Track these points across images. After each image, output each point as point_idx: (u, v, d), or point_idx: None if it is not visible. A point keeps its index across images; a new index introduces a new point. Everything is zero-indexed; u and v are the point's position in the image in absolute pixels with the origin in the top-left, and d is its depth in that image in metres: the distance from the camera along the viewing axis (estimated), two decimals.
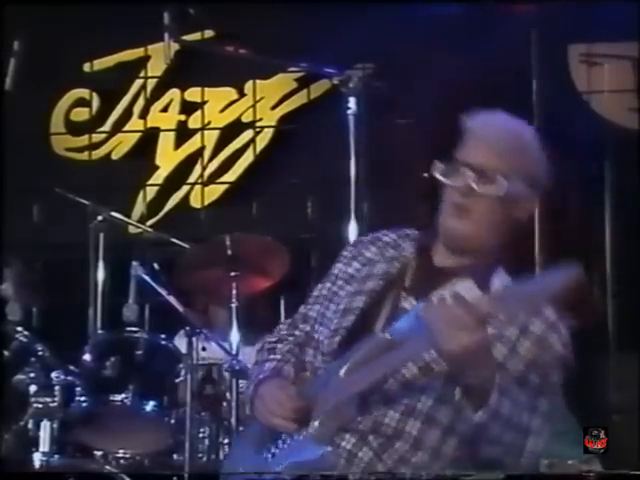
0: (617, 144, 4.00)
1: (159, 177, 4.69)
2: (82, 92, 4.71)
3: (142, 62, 4.68)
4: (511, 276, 1.87)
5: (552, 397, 1.81)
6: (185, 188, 4.68)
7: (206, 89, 4.66)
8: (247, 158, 4.64)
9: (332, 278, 1.99)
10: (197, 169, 4.69)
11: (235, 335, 3.36)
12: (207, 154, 4.67)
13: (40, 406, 3.17)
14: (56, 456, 3.17)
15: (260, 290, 3.56)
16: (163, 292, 3.20)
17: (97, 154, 4.72)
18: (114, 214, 3.67)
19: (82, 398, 3.21)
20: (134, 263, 3.31)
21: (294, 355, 1.96)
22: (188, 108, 4.68)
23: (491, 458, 1.74)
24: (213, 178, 4.65)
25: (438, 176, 1.87)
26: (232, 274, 3.36)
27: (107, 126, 4.73)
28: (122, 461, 3.27)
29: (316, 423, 1.78)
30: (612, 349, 3.79)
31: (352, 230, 2.96)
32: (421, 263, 1.90)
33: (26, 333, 3.28)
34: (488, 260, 1.87)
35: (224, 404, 3.35)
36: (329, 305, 1.95)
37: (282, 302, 3.80)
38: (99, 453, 3.29)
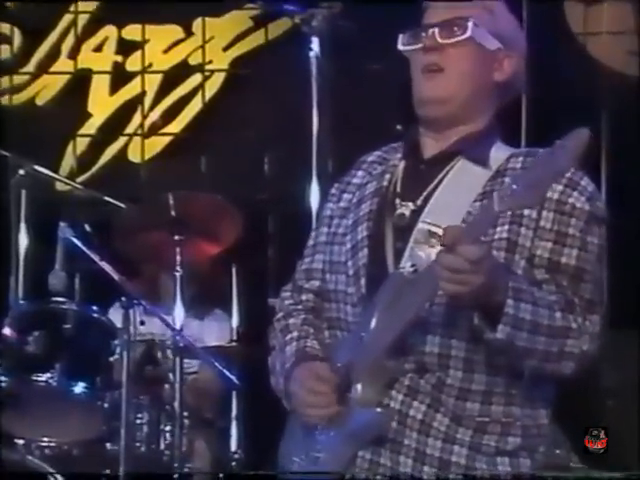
0: (615, 91, 4.04)
1: (92, 126, 4.65)
2: (2, 27, 4.65)
3: None
4: (511, 145, 1.91)
5: (593, 279, 1.80)
6: (122, 140, 4.64)
7: (147, 26, 4.62)
8: (195, 106, 4.61)
9: (326, 221, 1.98)
10: (136, 118, 4.65)
11: (179, 308, 3.36)
12: (148, 101, 4.64)
13: None
14: None
15: (208, 257, 3.58)
16: (95, 258, 3.17)
17: (19, 98, 4.66)
18: (39, 168, 3.62)
19: (1, 378, 3.17)
20: (62, 224, 3.28)
21: (311, 325, 1.95)
22: (126, 48, 4.64)
23: (534, 373, 1.76)
24: (155, 129, 4.63)
25: (402, 47, 1.92)
26: (176, 238, 3.36)
27: (31, 66, 4.68)
28: (47, 451, 3.25)
29: (358, 387, 1.79)
30: (609, 328, 3.84)
31: (314, 190, 2.96)
32: (409, 162, 1.93)
33: None
34: (479, 132, 1.89)
35: (166, 386, 3.34)
36: (333, 249, 1.94)
37: (234, 271, 3.72)
38: (20, 442, 3.25)
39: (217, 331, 3.79)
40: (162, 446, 3.33)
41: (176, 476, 3.22)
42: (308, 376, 1.84)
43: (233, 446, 3.51)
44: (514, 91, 1.93)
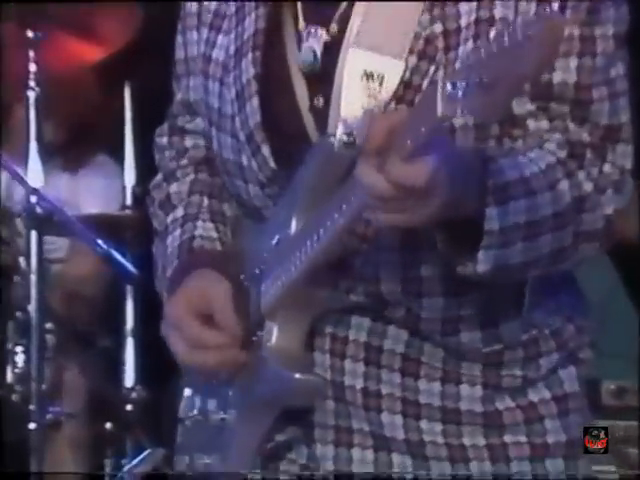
0: None
1: None
2: None
3: None
4: None
5: (608, 92, 1.71)
6: None
7: None
8: None
9: (192, 21, 1.90)
10: None
11: (36, 153, 3.32)
12: None
13: None
14: None
15: (84, 66, 3.57)
16: None
17: None
18: None
19: None
20: None
21: (203, 190, 1.90)
22: None
23: (542, 275, 1.75)
24: None
25: None
26: (30, 35, 3.32)
27: None
28: None
29: (274, 329, 1.75)
30: None
31: None
32: None
33: None
34: None
35: (15, 280, 3.33)
36: (207, 85, 1.84)
37: (127, 92, 3.59)
38: None
39: (101, 191, 3.79)
40: (10, 378, 3.30)
41: (33, 426, 3.14)
42: (192, 318, 1.74)
43: (129, 380, 3.45)
44: None
